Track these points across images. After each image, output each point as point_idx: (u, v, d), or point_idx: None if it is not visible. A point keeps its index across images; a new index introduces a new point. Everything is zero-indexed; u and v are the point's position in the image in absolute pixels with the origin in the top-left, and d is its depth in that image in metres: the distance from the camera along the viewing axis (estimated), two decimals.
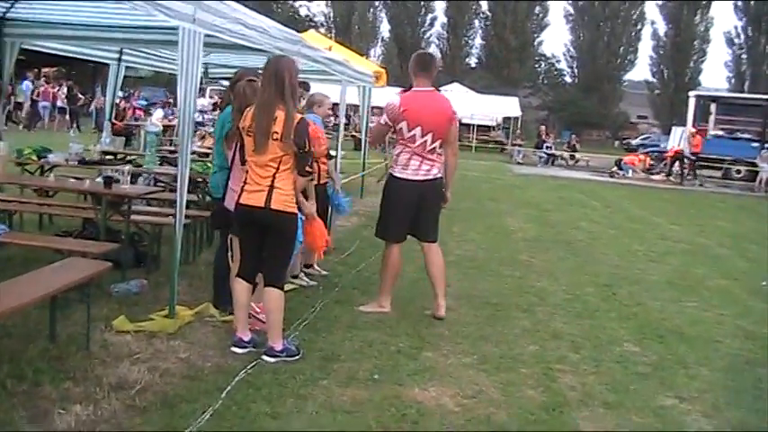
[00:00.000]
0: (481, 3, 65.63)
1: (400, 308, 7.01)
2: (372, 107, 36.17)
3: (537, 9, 64.27)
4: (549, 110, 62.77)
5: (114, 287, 6.61)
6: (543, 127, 36.34)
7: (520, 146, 35.61)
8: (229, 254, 5.85)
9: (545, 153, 33.25)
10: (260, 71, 5.47)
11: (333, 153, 8.91)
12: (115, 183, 6.98)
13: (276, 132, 5.01)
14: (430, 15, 66.67)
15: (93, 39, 9.27)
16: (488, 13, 65.02)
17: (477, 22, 66.18)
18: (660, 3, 60.99)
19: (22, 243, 6.38)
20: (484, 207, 15.67)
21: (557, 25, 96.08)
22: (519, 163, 32.75)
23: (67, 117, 30.47)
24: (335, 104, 11.71)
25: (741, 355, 6.46)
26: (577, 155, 33.81)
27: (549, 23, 65.63)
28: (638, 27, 61.96)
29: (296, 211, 5.26)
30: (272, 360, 5.24)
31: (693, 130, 29.31)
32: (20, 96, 31.03)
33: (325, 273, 8.04)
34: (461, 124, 45.36)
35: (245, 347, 5.39)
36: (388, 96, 22.70)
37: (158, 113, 22.05)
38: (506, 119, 44.11)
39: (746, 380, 5.83)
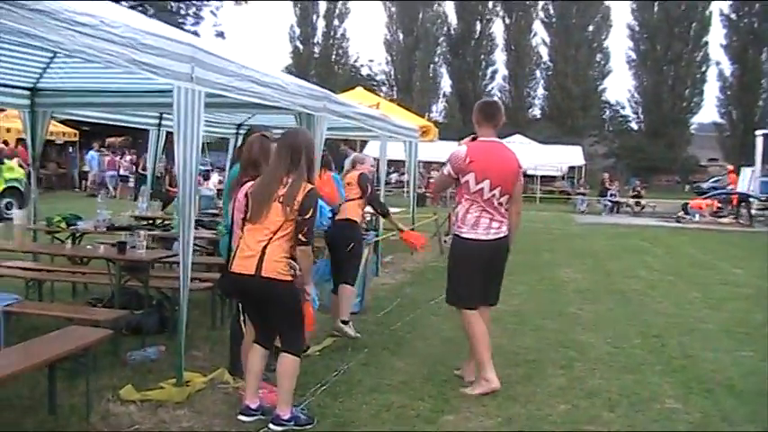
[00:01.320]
0: (541, 53, 65.56)
1: (429, 367, 6.72)
2: (422, 162, 36.65)
3: (598, 57, 63.76)
4: (616, 157, 61.78)
5: (131, 354, 6.47)
6: (606, 174, 35.67)
7: (583, 194, 34.95)
8: (241, 318, 5.64)
9: (609, 201, 32.58)
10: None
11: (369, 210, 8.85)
12: (131, 248, 6.86)
13: (281, 195, 4.90)
14: (491, 68, 66.63)
15: (125, 105, 9.30)
16: (549, 63, 64.75)
17: (538, 72, 65.93)
18: (725, 43, 60.13)
19: (32, 312, 6.27)
20: (539, 258, 15.22)
21: (619, 71, 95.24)
22: (582, 212, 32.10)
23: (130, 185, 31.01)
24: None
25: None
26: (643, 201, 33.02)
27: (612, 70, 64.97)
28: (703, 69, 60.79)
29: (290, 277, 4.97)
30: (279, 429, 5.01)
31: (730, 168, 28.57)
32: (86, 166, 31.84)
33: (357, 335, 7.74)
34: (525, 176, 44.95)
35: (253, 415, 5.17)
36: (438, 151, 22.68)
37: (215, 178, 22.21)
38: (571, 168, 43.52)
39: None
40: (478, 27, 65.96)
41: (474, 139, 6.28)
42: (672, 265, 15.06)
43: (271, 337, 5.27)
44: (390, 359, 6.97)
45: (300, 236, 4.92)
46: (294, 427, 5.03)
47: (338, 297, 7.80)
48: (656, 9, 61.10)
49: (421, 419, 5.38)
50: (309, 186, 4.95)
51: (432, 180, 36.76)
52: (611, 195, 32.91)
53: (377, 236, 10.49)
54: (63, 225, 8.93)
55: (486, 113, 6.28)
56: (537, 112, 67.19)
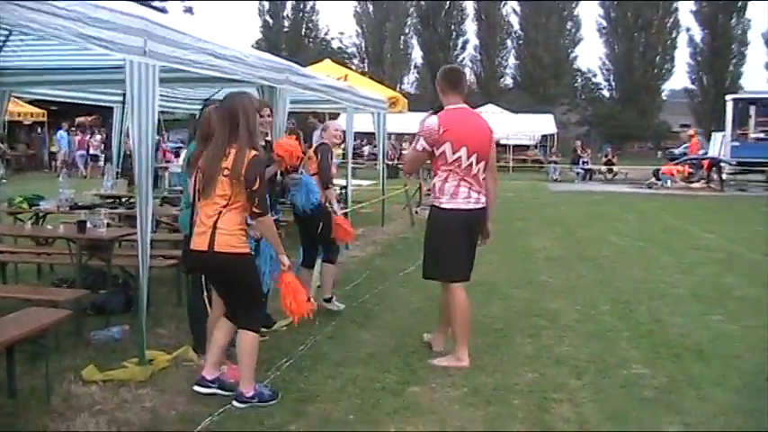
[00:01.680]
0: (512, 22, 65.33)
1: (396, 339, 6.69)
2: (394, 134, 36.44)
3: (569, 25, 63.58)
4: (588, 125, 61.92)
5: (94, 334, 6.39)
6: (579, 142, 35.64)
7: (556, 163, 34.98)
8: (204, 295, 5.55)
9: (581, 169, 32.62)
10: None
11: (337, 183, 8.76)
12: (93, 227, 6.76)
13: (226, 168, 4.73)
14: (462, 39, 66.24)
15: (87, 82, 9.14)
16: (520, 32, 64.50)
17: (509, 42, 65.64)
18: (694, 9, 60.13)
19: None
20: (510, 227, 15.17)
21: (590, 39, 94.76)
22: (555, 180, 32.15)
23: (101, 164, 30.70)
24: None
25: (762, 372, 5.95)
26: (615, 168, 33.09)
27: (583, 38, 64.65)
28: (674, 35, 60.86)
29: (244, 250, 4.87)
30: (242, 406, 4.95)
31: (691, 132, 28.76)
32: (55, 146, 31.47)
33: (341, 306, 7.73)
34: (498, 145, 44.92)
35: (209, 387, 5.12)
36: (410, 122, 22.59)
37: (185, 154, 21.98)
38: (544, 137, 43.51)
39: (763, 400, 5.36)
40: None
41: (438, 110, 6.15)
42: (643, 231, 15.10)
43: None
44: (357, 332, 6.93)
45: (254, 208, 4.78)
46: (258, 404, 4.97)
47: (310, 273, 7.72)
48: None
49: (386, 392, 5.34)
50: (252, 154, 4.78)
51: (404, 152, 36.70)
52: (584, 163, 32.95)
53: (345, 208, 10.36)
54: (25, 206, 8.80)
55: (451, 80, 6.14)
56: (509, 81, 67.01)
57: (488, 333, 6.91)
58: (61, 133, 30.79)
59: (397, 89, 61.97)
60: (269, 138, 7.09)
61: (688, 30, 61.42)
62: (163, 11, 50.51)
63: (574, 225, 16.00)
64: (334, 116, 15.51)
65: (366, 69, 64.63)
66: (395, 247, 12.24)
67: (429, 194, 17.82)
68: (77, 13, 4.50)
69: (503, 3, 64.49)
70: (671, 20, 60.85)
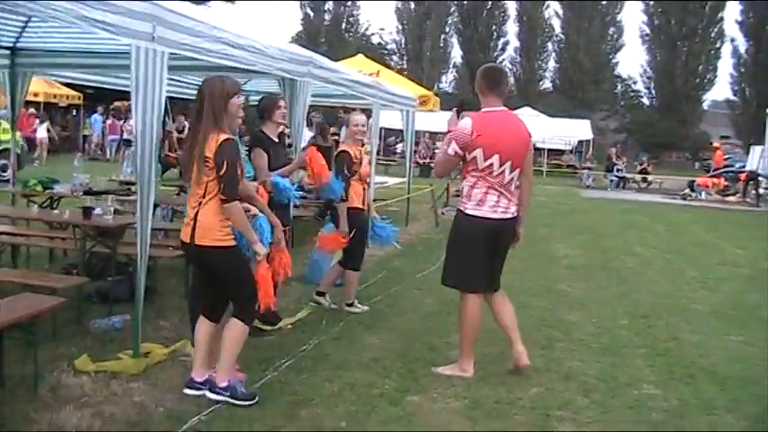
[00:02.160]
0: (554, 25, 64.77)
1: (403, 344, 6.52)
2: (428, 132, 36.21)
3: (611, 30, 62.87)
4: (627, 132, 61.22)
5: (94, 323, 6.29)
6: (613, 149, 35.16)
7: (590, 169, 34.58)
8: None
9: (615, 176, 32.20)
10: None
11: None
12: (101, 214, 6.66)
13: (198, 156, 4.58)
14: (502, 40, 65.75)
15: (110, 67, 9.01)
16: (562, 36, 63.95)
17: (550, 45, 65.10)
18: (740, 19, 59.14)
19: None
20: (535, 233, 14.88)
21: (632, 46, 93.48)
22: (588, 187, 31.78)
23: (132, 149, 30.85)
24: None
25: None
26: (649, 177, 32.64)
27: (625, 44, 63.86)
28: (717, 45, 59.97)
29: (226, 243, 4.70)
30: (214, 397, 4.84)
31: (716, 144, 28.29)
32: (88, 129, 31.62)
33: (334, 306, 7.56)
34: (534, 149, 44.36)
35: (198, 389, 4.97)
36: (440, 121, 22.48)
37: None
38: (581, 142, 43.05)
39: None
40: None
41: (461, 109, 5.89)
42: (671, 243, 14.81)
43: (216, 307, 5.03)
44: (364, 334, 6.77)
45: (220, 193, 4.59)
46: (230, 399, 4.82)
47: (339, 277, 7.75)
48: None
49: (384, 399, 5.17)
50: (223, 137, 4.58)
51: (437, 151, 36.48)
52: (618, 171, 32.49)
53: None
54: (39, 188, 8.73)
55: (491, 80, 5.75)
56: (548, 84, 66.38)
57: (497, 343, 6.66)
58: (96, 117, 30.94)
59: (435, 88, 62.24)
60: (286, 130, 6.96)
61: (732, 40, 60.39)
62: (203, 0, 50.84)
63: (601, 233, 15.73)
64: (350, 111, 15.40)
65: (405, 66, 64.48)
66: (415, 248, 12.06)
67: (458, 195, 17.72)
68: None
69: (545, 5, 63.98)
70: (715, 29, 59.82)
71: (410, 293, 8.57)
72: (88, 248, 6.81)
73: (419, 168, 33.34)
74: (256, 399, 4.89)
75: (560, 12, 63.88)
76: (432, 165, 33.59)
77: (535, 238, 13.97)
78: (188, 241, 4.71)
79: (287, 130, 7.80)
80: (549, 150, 40.59)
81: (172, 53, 5.55)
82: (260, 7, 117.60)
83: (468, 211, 5.70)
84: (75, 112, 33.75)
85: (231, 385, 4.84)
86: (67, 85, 28.05)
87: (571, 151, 43.49)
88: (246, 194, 5.12)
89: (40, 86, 28.12)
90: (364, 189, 7.56)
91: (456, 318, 7.26)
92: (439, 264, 10.28)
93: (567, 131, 41.58)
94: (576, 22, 61.88)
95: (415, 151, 37.69)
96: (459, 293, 5.95)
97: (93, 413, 4.58)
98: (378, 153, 36.17)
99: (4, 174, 16.58)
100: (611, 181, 32.21)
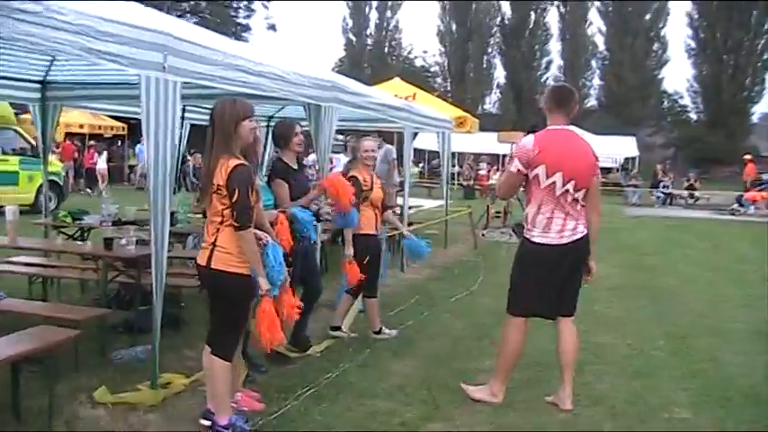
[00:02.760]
0: (597, 42, 64.35)
1: (429, 370, 6.39)
2: (471, 154, 36.06)
3: (656, 46, 62.29)
4: (674, 148, 60.43)
5: (117, 354, 6.27)
6: (659, 166, 34.73)
7: (636, 186, 34.12)
8: None
9: (662, 193, 31.76)
10: None
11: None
12: (123, 245, 6.67)
13: (213, 184, 4.53)
14: (545, 59, 65.67)
15: (135, 97, 9.06)
16: (605, 53, 63.53)
17: (594, 62, 64.77)
18: None
19: (8, 310, 6.12)
20: None
21: (677, 60, 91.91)
22: (634, 204, 31.34)
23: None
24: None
25: None
26: (697, 193, 32.13)
27: (670, 59, 63.19)
28: (764, 57, 58.95)
29: (242, 272, 4.60)
30: None
31: (748, 156, 27.83)
32: (133, 160, 32.07)
33: (353, 335, 7.43)
34: None
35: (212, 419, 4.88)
36: (479, 143, 22.40)
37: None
38: (627, 159, 42.57)
39: None
40: (533, 16, 64.96)
41: (532, 132, 5.73)
42: (715, 260, 14.48)
43: None
44: (390, 361, 6.66)
45: (233, 221, 4.52)
46: None
47: (350, 301, 7.63)
48: None
49: (404, 427, 5.07)
50: (233, 163, 4.50)
51: (481, 172, 36.32)
52: (664, 187, 32.07)
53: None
54: (68, 220, 8.80)
55: (558, 99, 5.62)
56: (593, 102, 65.83)
57: (528, 367, 6.54)
58: (140, 147, 31.31)
59: (479, 109, 62.16)
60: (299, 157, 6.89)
61: None
62: (247, 27, 51.47)
63: (644, 252, 15.46)
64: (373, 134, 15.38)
65: (449, 88, 64.56)
66: (451, 271, 11.93)
67: (498, 216, 17.53)
68: (84, 27, 4.35)
69: (588, 23, 63.76)
70: (762, 41, 58.89)
71: (441, 318, 8.44)
72: (110, 279, 6.82)
73: (463, 190, 33.29)
74: None
75: (603, 28, 63.51)
76: (476, 187, 33.58)
77: None
78: (204, 264, 4.64)
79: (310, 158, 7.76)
80: None
81: (186, 82, 5.56)
82: (304, 36, 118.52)
83: (534, 239, 5.50)
84: (120, 143, 34.23)
85: (232, 423, 4.73)
86: (111, 116, 28.49)
87: (617, 169, 43.01)
88: (260, 223, 5.06)
89: (85, 118, 28.62)
90: (376, 214, 7.44)
91: (486, 342, 7.22)
92: (475, 287, 10.28)
93: (613, 149, 41.07)
94: (620, 39, 61.39)
95: (459, 173, 37.90)
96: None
97: None
98: (421, 175, 36.10)
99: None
100: (658, 198, 31.79)
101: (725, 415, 5.56)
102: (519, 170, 5.46)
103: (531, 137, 5.49)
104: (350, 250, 7.09)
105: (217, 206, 4.56)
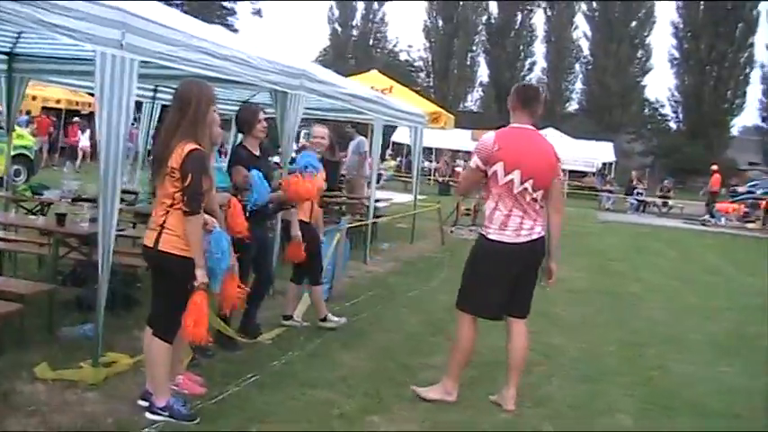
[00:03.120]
0: (582, 47, 64.58)
1: (377, 363, 6.39)
2: (450, 150, 36.04)
3: (640, 53, 62.49)
4: (653, 156, 60.71)
5: (64, 331, 6.22)
6: (634, 172, 34.93)
7: (610, 192, 34.28)
8: None
9: (635, 199, 31.92)
10: None
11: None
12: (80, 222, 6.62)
13: (167, 165, 4.49)
14: (529, 60, 65.82)
15: None
16: (590, 57, 63.72)
17: (577, 66, 64.98)
18: None
19: None
20: None
21: (660, 69, 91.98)
22: (607, 209, 31.49)
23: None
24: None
25: None
26: (670, 201, 32.33)
27: (653, 67, 63.40)
28: (747, 70, 59.40)
29: (189, 255, 4.54)
30: (153, 417, 4.71)
31: (714, 168, 28.24)
32: None
33: (305, 324, 7.39)
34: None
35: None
36: (455, 139, 22.51)
37: None
38: (605, 165, 42.75)
39: None
40: (519, 17, 65.10)
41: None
42: (681, 269, 14.59)
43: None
44: (339, 352, 6.64)
45: (183, 205, 4.47)
46: (170, 419, 4.70)
47: (296, 289, 7.51)
48: (701, 7, 59.41)
49: (342, 419, 5.06)
50: (191, 147, 4.46)
51: (457, 168, 36.37)
52: (638, 194, 32.22)
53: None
54: (28, 194, 8.72)
55: (524, 98, 5.56)
56: (574, 106, 66.10)
57: (475, 366, 6.52)
58: None
59: (461, 106, 62.19)
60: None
61: (762, 66, 59.94)
62: (232, 12, 51.25)
63: (610, 257, 15.56)
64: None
65: (431, 84, 64.57)
66: (415, 266, 11.93)
67: (467, 214, 17.55)
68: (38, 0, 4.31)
69: (574, 27, 63.90)
70: (745, 55, 59.27)
71: (397, 312, 8.43)
72: (62, 255, 6.76)
73: (438, 186, 33.33)
74: (197, 420, 4.75)
75: (589, 33, 63.70)
76: (451, 183, 33.60)
77: None
78: (151, 246, 4.60)
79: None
80: (571, 172, 40.34)
81: (147, 62, 5.52)
82: (290, 23, 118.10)
83: (490, 236, 5.47)
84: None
85: (169, 405, 4.71)
86: (91, 93, 28.21)
87: (594, 174, 43.18)
88: (210, 209, 5.02)
89: (62, 94, 28.34)
90: (312, 204, 7.26)
91: (439, 338, 7.22)
92: (436, 283, 10.29)
93: (590, 154, 41.23)
94: (605, 44, 61.61)
95: (436, 169, 37.95)
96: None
97: (39, 421, 4.51)
98: (399, 169, 35.99)
99: (17, 179, 16.64)
100: (631, 204, 31.95)
101: (664, 423, 5.61)
102: (478, 166, 5.44)
103: (491, 134, 5.46)
104: (295, 230, 7.00)
105: (168, 188, 4.52)
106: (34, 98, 28.74)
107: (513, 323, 5.72)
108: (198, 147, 4.51)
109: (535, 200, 5.42)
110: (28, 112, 27.26)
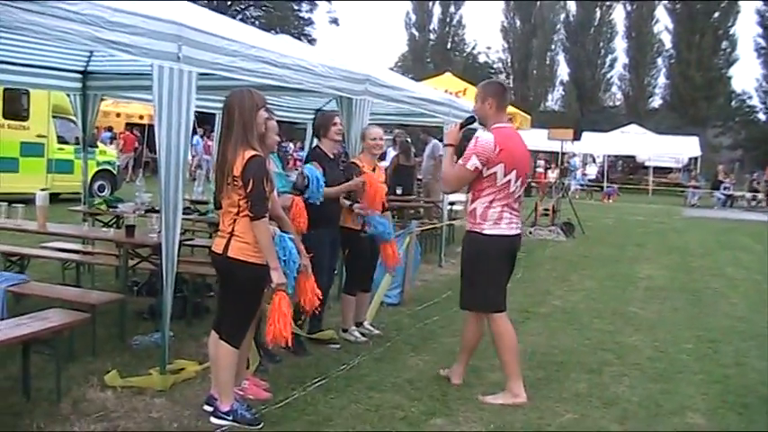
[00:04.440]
0: (664, 40, 63.18)
1: (447, 365, 6.32)
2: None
3: (724, 44, 60.87)
4: (742, 149, 59.03)
5: (135, 339, 6.39)
6: (720, 167, 34.11)
7: (696, 187, 33.49)
8: None
9: (722, 194, 31.10)
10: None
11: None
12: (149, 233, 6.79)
13: (230, 175, 4.57)
14: (610, 56, 64.85)
15: None
16: (672, 51, 62.32)
17: (660, 60, 63.63)
18: None
19: (31, 293, 6.28)
20: (622, 253, 14.58)
21: (747, 59, 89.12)
22: (693, 205, 30.78)
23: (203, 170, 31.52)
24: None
25: None
26: (759, 195, 31.39)
27: (739, 58, 61.52)
28: None
29: (258, 261, 4.61)
30: (218, 422, 4.77)
31: None
32: (191, 150, 32.50)
33: (377, 332, 7.37)
34: (641, 166, 43.58)
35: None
36: (532, 139, 22.46)
37: None
38: (691, 160, 41.79)
39: None
40: (598, 13, 64.19)
41: (467, 124, 5.93)
42: (766, 264, 14.12)
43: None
44: (407, 356, 6.65)
45: (248, 210, 4.55)
46: (234, 423, 4.76)
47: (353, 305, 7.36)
48: None
49: (405, 422, 5.04)
50: (250, 154, 4.53)
51: (538, 169, 36.01)
52: (725, 189, 31.40)
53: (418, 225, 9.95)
54: (103, 207, 8.96)
55: (503, 97, 5.69)
56: (658, 101, 64.72)
57: (545, 366, 6.50)
58: (197, 138, 31.72)
59: (542, 106, 61.60)
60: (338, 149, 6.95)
61: None
62: (310, 21, 51.82)
63: (692, 253, 15.21)
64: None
65: (511, 85, 64.13)
66: None
67: (546, 214, 17.39)
68: (93, 18, 4.42)
69: (654, 20, 62.54)
70: None
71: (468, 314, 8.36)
72: (132, 266, 6.94)
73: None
74: (261, 424, 4.81)
75: (670, 26, 62.27)
76: (533, 184, 33.29)
77: (620, 258, 13.69)
78: (220, 252, 4.68)
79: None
80: (656, 168, 39.63)
81: (206, 74, 5.64)
82: (367, 31, 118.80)
83: (486, 232, 5.54)
84: None
85: (234, 409, 4.77)
86: None
87: (680, 169, 42.26)
88: (275, 214, 5.12)
89: (144, 109, 29.06)
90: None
91: None
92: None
93: (675, 149, 40.40)
94: (687, 37, 60.09)
95: None
96: (468, 316, 6.00)
97: (107, 427, 4.63)
98: None
99: (101, 194, 17.12)
100: (718, 199, 31.14)
101: (739, 422, 5.43)
102: (476, 168, 5.47)
103: (490, 135, 5.50)
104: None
105: (233, 197, 4.60)
106: (118, 115, 29.61)
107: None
108: (257, 153, 4.58)
109: (520, 197, 5.70)
110: (109, 129, 28.03)
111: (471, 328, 5.93)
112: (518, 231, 5.69)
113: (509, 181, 5.46)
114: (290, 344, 4.96)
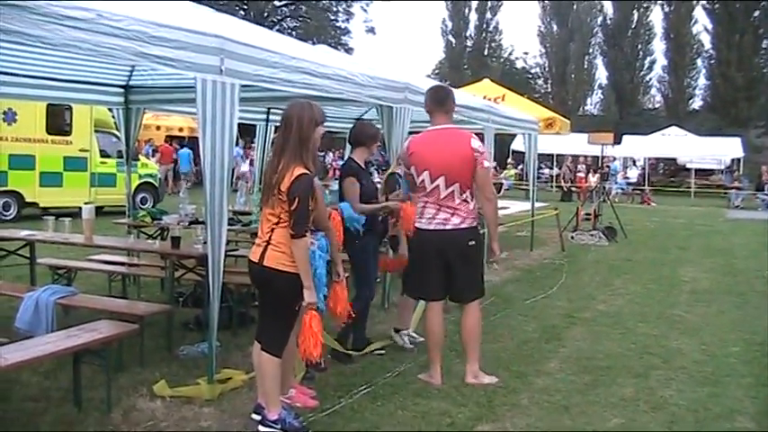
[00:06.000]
0: (703, 41, 62.42)
1: (493, 370, 6.32)
2: (570, 155, 35.40)
3: (765, 43, 60.05)
4: None
5: (182, 349, 6.47)
6: (764, 167, 33.47)
7: (739, 189, 33.02)
8: None
9: (766, 196, 30.62)
10: None
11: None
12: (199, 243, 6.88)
13: (276, 186, 4.60)
14: (649, 59, 64.12)
15: None
16: (712, 52, 61.56)
17: (699, 61, 62.89)
18: None
19: (80, 305, 6.38)
20: (665, 256, 14.43)
21: None
22: (737, 207, 30.35)
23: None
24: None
25: None
26: None
27: None
28: None
29: (294, 271, 4.61)
30: (266, 430, 4.80)
31: None
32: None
33: (422, 339, 7.32)
34: (682, 169, 43.09)
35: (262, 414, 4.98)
36: (571, 144, 22.30)
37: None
38: (734, 161, 41.24)
39: None
40: (636, 16, 63.52)
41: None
42: None
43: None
44: (453, 361, 6.61)
45: (290, 228, 4.57)
46: (282, 431, 4.78)
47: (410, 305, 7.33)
48: None
49: (452, 428, 5.06)
50: (299, 172, 4.53)
51: (579, 174, 35.79)
52: None
53: None
54: (148, 220, 9.08)
55: (436, 99, 6.11)
56: (698, 103, 63.97)
57: (591, 371, 6.46)
58: (237, 150, 31.98)
59: (581, 110, 61.18)
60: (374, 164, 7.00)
61: None
62: (346, 31, 52.09)
63: (736, 256, 14.99)
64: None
65: (549, 90, 63.85)
66: (533, 273, 11.82)
67: (587, 219, 17.29)
68: (137, 33, 4.51)
69: (693, 21, 61.83)
70: None
71: (512, 320, 8.37)
72: (177, 277, 7.03)
73: (561, 192, 33.01)
74: (309, 431, 4.86)
75: (710, 27, 61.52)
76: (573, 189, 33.15)
77: (663, 261, 13.57)
78: (257, 261, 4.72)
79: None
80: (697, 170, 39.15)
81: (251, 85, 5.72)
82: (403, 38, 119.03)
83: (416, 225, 6.06)
84: None
85: (281, 418, 4.79)
86: None
87: (722, 171, 41.70)
88: (323, 226, 5.20)
89: (184, 122, 29.42)
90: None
91: (553, 345, 7.20)
92: (554, 289, 10.17)
93: (716, 150, 39.84)
94: (727, 37, 59.33)
95: (558, 175, 37.42)
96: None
97: None
98: (519, 177, 35.73)
99: (143, 206, 17.31)
100: (762, 201, 30.66)
101: None
102: (406, 173, 6.18)
103: (407, 140, 6.16)
104: (403, 249, 6.93)
105: (275, 207, 4.64)
106: (158, 128, 29.97)
107: (465, 309, 6.20)
108: (306, 171, 4.58)
109: (451, 195, 5.84)
110: (148, 141, 28.41)
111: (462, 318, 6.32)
112: (444, 227, 5.89)
113: (423, 181, 5.89)
114: (321, 362, 5.12)
